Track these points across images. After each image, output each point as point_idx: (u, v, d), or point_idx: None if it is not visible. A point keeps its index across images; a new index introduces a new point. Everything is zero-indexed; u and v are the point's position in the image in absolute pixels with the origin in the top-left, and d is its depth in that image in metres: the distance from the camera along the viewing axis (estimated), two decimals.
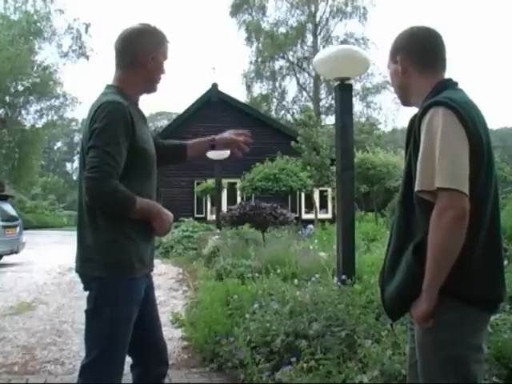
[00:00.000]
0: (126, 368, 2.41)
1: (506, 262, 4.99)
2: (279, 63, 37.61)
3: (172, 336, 5.36)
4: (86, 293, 2.35)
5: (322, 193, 21.21)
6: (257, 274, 5.84)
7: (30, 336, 5.46)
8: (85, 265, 2.30)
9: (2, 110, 27.44)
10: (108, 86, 2.41)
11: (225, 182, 17.90)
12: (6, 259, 12.67)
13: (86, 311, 2.32)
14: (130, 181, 2.22)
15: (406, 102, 2.16)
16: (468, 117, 1.84)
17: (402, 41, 2.11)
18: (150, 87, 2.48)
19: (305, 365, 3.33)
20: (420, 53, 2.06)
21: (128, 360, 2.41)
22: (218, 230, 12.41)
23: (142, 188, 2.30)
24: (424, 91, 2.01)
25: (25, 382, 4.08)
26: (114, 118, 2.21)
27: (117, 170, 2.18)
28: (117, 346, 2.28)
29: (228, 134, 2.79)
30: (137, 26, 2.44)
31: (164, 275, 10.16)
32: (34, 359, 4.66)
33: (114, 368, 2.29)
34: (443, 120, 1.81)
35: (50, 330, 5.76)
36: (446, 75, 2.08)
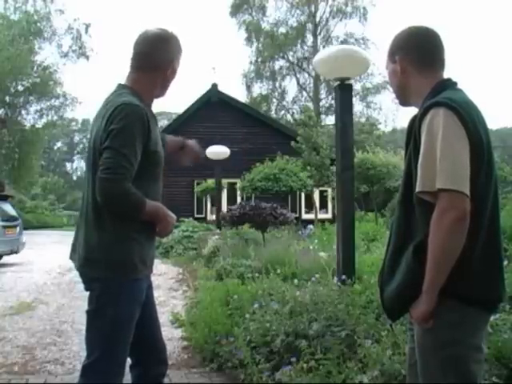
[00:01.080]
0: (126, 368, 2.41)
1: (506, 262, 4.99)
2: (279, 63, 37.65)
3: (172, 336, 5.36)
4: (86, 293, 2.35)
5: (322, 193, 21.21)
6: (257, 274, 5.84)
7: (29, 336, 5.46)
8: (87, 264, 2.29)
9: (2, 110, 27.43)
10: (122, 86, 2.40)
11: (225, 182, 17.91)
12: (6, 259, 12.67)
13: (88, 311, 2.31)
14: (139, 182, 2.22)
15: (404, 102, 2.16)
16: (468, 117, 1.84)
17: (400, 40, 2.11)
18: (163, 92, 2.50)
19: (305, 365, 3.33)
20: (419, 52, 2.06)
21: (127, 360, 2.41)
22: (218, 230, 12.41)
23: (148, 190, 2.30)
24: (423, 91, 2.01)
25: (25, 382, 4.08)
26: (132, 120, 2.22)
27: (131, 172, 2.18)
28: (119, 346, 2.28)
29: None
30: (159, 30, 2.44)
31: (164, 275, 10.16)
32: (34, 359, 4.66)
33: (116, 368, 2.29)
34: (444, 121, 1.81)
35: (50, 330, 5.76)
36: (447, 74, 2.08)
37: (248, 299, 4.86)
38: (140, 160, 2.24)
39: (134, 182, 2.19)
